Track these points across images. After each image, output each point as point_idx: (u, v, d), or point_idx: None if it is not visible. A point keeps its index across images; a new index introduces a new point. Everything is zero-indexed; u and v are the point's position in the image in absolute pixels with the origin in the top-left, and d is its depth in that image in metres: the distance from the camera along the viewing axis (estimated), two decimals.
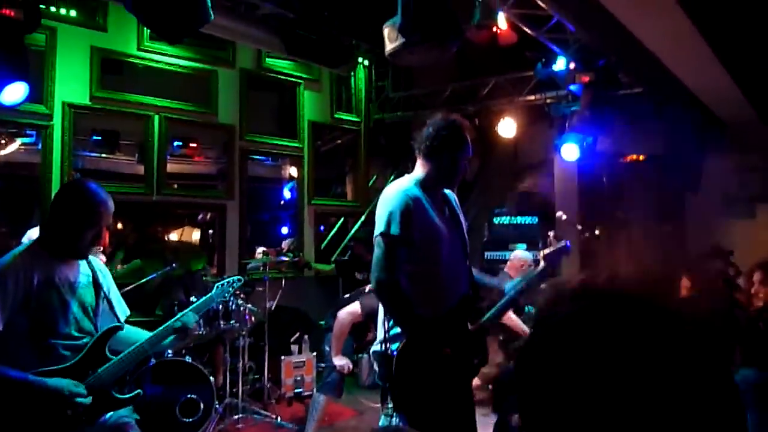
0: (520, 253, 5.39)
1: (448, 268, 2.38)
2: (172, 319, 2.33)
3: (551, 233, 2.74)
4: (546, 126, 6.49)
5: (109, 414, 2.18)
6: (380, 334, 2.42)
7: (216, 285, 2.63)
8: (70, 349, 2.13)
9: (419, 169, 2.46)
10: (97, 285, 2.28)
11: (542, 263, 2.63)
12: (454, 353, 2.30)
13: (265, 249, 6.72)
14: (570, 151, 5.63)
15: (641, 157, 7.19)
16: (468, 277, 2.51)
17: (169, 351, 4.07)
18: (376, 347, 2.42)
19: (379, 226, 2.31)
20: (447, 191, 2.56)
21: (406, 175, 2.48)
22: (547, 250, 2.65)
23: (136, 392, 2.26)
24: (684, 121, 5.87)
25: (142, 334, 2.32)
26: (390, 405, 2.30)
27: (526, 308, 5.02)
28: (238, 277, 2.75)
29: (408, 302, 2.28)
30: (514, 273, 5.19)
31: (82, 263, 2.26)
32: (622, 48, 4.15)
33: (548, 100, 6.09)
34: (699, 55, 3.94)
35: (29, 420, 2.00)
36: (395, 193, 2.34)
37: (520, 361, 0.68)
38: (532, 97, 6.14)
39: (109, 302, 2.32)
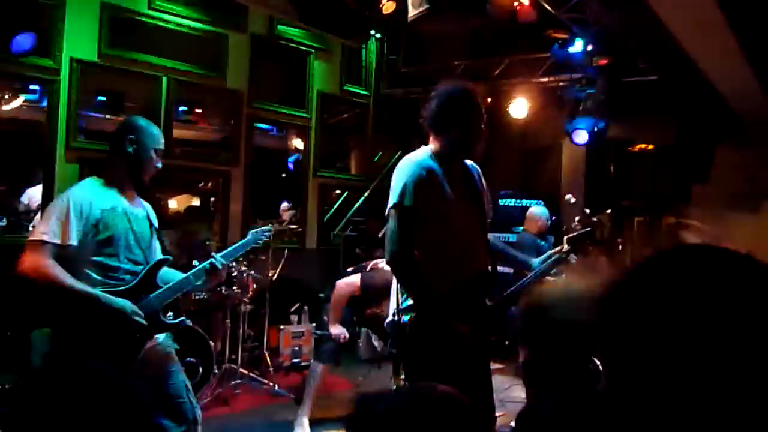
0: (536, 210, 5.44)
1: (462, 241, 2.33)
2: (211, 259, 2.56)
3: (577, 218, 2.72)
4: (557, 110, 6.42)
5: (157, 336, 2.44)
6: (393, 305, 2.38)
7: (250, 231, 2.86)
8: (129, 273, 2.39)
9: (433, 142, 2.39)
10: (149, 220, 2.56)
11: (566, 246, 2.60)
12: (469, 328, 2.26)
13: (264, 222, 6.67)
14: (580, 136, 5.58)
15: (650, 147, 7.13)
16: (486, 252, 2.45)
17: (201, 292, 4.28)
18: (389, 318, 2.39)
19: (393, 198, 2.26)
20: (471, 164, 2.49)
21: (422, 147, 2.41)
22: (573, 234, 2.63)
23: (180, 319, 2.53)
24: (697, 112, 5.81)
25: (178, 274, 2.56)
26: (402, 376, 2.28)
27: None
28: (270, 227, 2.95)
29: (421, 275, 2.24)
30: (532, 228, 5.22)
31: (138, 200, 2.55)
32: (644, 32, 4.07)
33: (561, 83, 6.02)
34: (723, 44, 3.86)
35: (95, 330, 2.25)
36: (409, 164, 2.29)
37: (605, 304, 0.65)
38: (546, 79, 6.06)
39: (160, 238, 2.60)
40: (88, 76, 5.33)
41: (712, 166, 6.14)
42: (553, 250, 2.58)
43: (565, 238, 2.63)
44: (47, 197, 5.08)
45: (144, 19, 5.49)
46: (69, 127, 5.13)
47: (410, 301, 2.29)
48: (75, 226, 2.26)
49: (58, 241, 2.24)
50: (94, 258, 2.32)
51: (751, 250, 0.64)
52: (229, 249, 2.73)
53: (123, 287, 2.35)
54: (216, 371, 4.46)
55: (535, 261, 2.56)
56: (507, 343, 5.94)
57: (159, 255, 2.57)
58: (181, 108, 7.57)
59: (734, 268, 0.60)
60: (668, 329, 0.58)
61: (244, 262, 4.74)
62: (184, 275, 2.53)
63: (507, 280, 2.75)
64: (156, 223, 2.61)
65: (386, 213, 2.28)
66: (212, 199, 7.95)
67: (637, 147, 7.18)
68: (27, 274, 2.22)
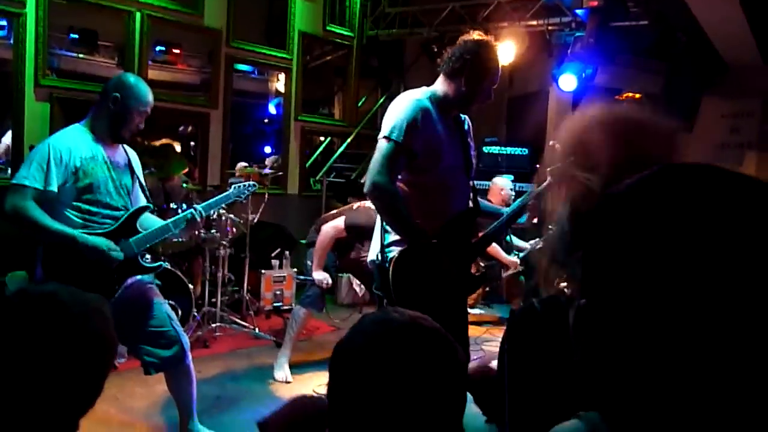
0: (499, 180, 5.47)
1: (449, 183, 2.36)
2: (191, 209, 2.68)
3: (552, 142, 2.69)
4: (545, 55, 6.28)
5: (135, 278, 2.55)
6: (375, 244, 2.37)
7: (233, 185, 2.91)
8: (109, 218, 2.49)
9: (438, 86, 2.39)
10: (131, 168, 2.63)
11: (549, 178, 2.58)
12: (452, 263, 2.27)
13: (246, 164, 6.56)
14: (567, 82, 5.48)
15: (637, 96, 7.05)
16: (470, 196, 2.47)
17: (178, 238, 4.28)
18: (371, 257, 2.38)
19: (384, 130, 2.26)
20: (463, 116, 2.49)
21: (423, 87, 2.41)
22: (554, 166, 2.60)
23: (159, 263, 2.65)
24: (685, 60, 5.72)
25: (159, 221, 2.65)
26: None
27: (508, 237, 5.03)
28: (253, 183, 3.01)
29: (403, 207, 2.24)
30: (495, 199, 5.18)
31: (120, 148, 2.61)
32: None
33: (550, 27, 5.86)
34: None
35: (74, 269, 2.35)
36: (406, 101, 2.28)
37: (591, 219, 0.61)
38: (534, 23, 5.90)
39: (141, 185, 2.68)
40: (57, 9, 5.07)
41: (697, 115, 6.10)
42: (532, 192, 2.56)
43: (548, 170, 2.60)
44: (17, 137, 4.92)
45: None
46: (38, 63, 4.91)
47: (393, 237, 2.29)
48: (54, 173, 2.35)
49: (38, 186, 2.34)
50: (75, 203, 2.42)
51: None
52: (210, 201, 2.82)
53: (103, 230, 2.45)
54: (196, 314, 4.45)
55: (508, 209, 2.59)
56: (487, 289, 6.03)
57: (141, 202, 2.66)
58: (158, 48, 7.31)
59: (734, 185, 0.56)
60: (657, 247, 0.54)
61: (223, 206, 4.65)
62: (165, 222, 2.61)
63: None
64: (138, 171, 2.69)
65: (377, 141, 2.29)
66: (192, 143, 7.79)
67: (624, 95, 7.10)
68: (8, 214, 2.32)
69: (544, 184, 2.53)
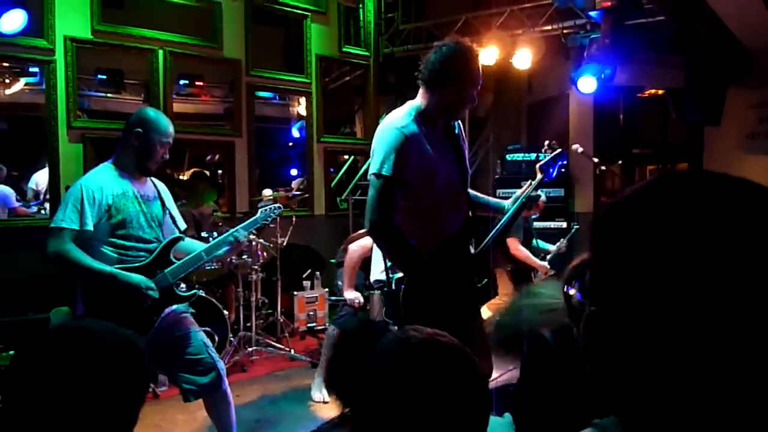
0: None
1: (445, 202, 2.29)
2: (226, 234, 2.75)
3: (546, 142, 2.70)
4: (562, 59, 6.25)
5: (171, 308, 2.60)
6: (378, 264, 2.36)
7: (260, 209, 3.00)
8: (143, 251, 2.56)
9: (420, 98, 2.28)
10: (161, 200, 2.72)
11: (538, 174, 2.58)
12: (457, 277, 2.25)
13: (270, 191, 6.67)
14: (587, 84, 5.43)
15: (660, 92, 6.95)
16: (468, 204, 2.41)
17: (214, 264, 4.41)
18: (375, 277, 2.37)
19: (374, 166, 2.19)
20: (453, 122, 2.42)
21: (406, 104, 2.31)
22: (543, 161, 2.60)
23: (193, 291, 2.72)
24: (706, 52, 5.62)
25: (197, 246, 2.74)
26: None
27: (534, 241, 5.00)
28: (279, 205, 3.08)
29: (404, 242, 2.19)
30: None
31: (149, 181, 2.70)
32: None
33: (565, 31, 5.84)
34: None
35: (113, 305, 2.42)
36: (390, 130, 2.19)
37: (600, 223, 0.61)
38: (549, 27, 5.89)
39: (171, 216, 2.75)
40: (84, 53, 5.29)
41: (724, 107, 5.97)
42: (523, 188, 2.54)
43: (537, 166, 2.61)
44: (53, 178, 5.11)
45: None
46: (69, 106, 5.11)
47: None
48: (89, 212, 2.44)
49: (75, 227, 2.42)
50: (110, 239, 2.50)
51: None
52: (241, 226, 2.85)
53: (138, 264, 2.53)
54: (232, 339, 4.52)
55: (508, 202, 2.53)
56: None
57: (172, 231, 2.74)
58: (182, 81, 7.52)
59: (746, 195, 0.56)
60: (666, 253, 0.54)
61: (253, 231, 4.74)
62: (196, 251, 2.69)
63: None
64: (169, 201, 2.77)
65: (367, 179, 2.25)
66: (219, 171, 7.96)
67: (647, 92, 7.00)
68: (50, 257, 2.41)
69: (536, 180, 2.54)
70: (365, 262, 4.00)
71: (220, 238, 2.75)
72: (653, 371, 0.56)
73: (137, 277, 2.46)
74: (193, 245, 2.75)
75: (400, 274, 2.23)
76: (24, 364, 0.97)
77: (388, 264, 2.27)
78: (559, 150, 2.62)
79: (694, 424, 0.55)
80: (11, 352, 3.86)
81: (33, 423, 0.93)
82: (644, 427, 0.59)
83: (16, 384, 0.96)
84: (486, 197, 2.66)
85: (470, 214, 2.41)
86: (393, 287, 2.23)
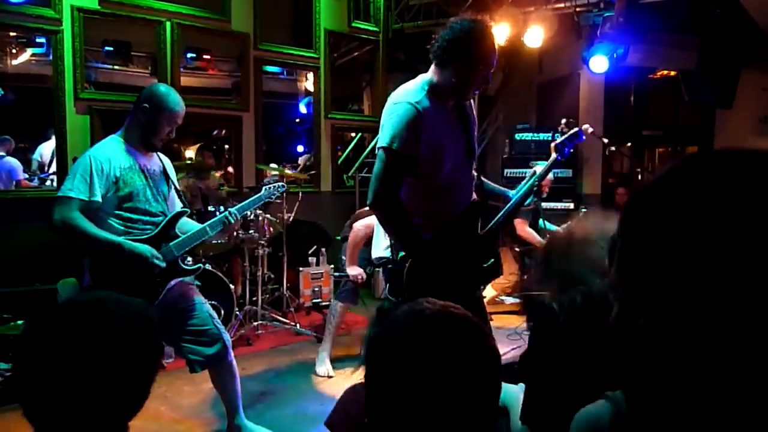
0: (539, 168, 5.33)
1: (453, 183, 2.26)
2: (220, 215, 2.76)
3: (563, 120, 2.64)
4: (573, 37, 6.15)
5: (177, 280, 2.64)
6: (381, 241, 2.35)
7: (263, 187, 3.01)
8: (149, 224, 2.58)
9: (431, 74, 2.21)
10: (166, 175, 2.72)
11: (553, 154, 2.54)
12: (463, 258, 2.23)
13: (275, 165, 6.66)
14: (599, 63, 5.37)
15: (672, 73, 6.85)
16: (474, 183, 2.38)
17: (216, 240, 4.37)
18: (378, 254, 2.36)
19: (384, 139, 2.13)
20: None
21: (418, 77, 2.24)
22: (558, 140, 2.55)
23: (199, 265, 2.74)
24: (721, 33, 5.52)
25: (195, 224, 2.75)
26: None
27: (541, 222, 4.98)
28: (282, 183, 3.07)
29: (405, 218, 2.17)
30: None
31: (155, 156, 2.70)
32: None
33: (578, 8, 5.74)
34: None
35: (120, 275, 2.45)
36: (403, 104, 2.12)
37: (631, 207, 0.59)
38: (561, 5, 5.79)
39: (177, 191, 2.79)
40: (91, 24, 5.24)
41: (737, 90, 5.88)
42: (530, 171, 2.51)
43: (552, 144, 2.56)
44: (60, 150, 5.11)
45: None
46: (76, 77, 5.09)
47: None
48: (97, 183, 2.44)
49: (84, 197, 2.42)
50: (117, 211, 2.51)
51: None
52: (243, 203, 2.89)
53: (144, 236, 2.54)
54: (238, 313, 4.56)
55: (513, 192, 2.48)
56: (525, 277, 5.97)
57: (178, 206, 2.75)
58: (189, 55, 7.47)
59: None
60: (698, 236, 0.52)
61: (260, 206, 4.75)
62: (201, 225, 2.70)
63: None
64: (173, 177, 2.78)
65: (375, 151, 2.20)
66: (226, 146, 7.96)
67: (659, 73, 6.91)
68: (57, 225, 2.40)
69: (550, 160, 2.50)
70: (369, 240, 4.01)
71: (216, 217, 2.76)
72: (682, 358, 0.54)
73: (143, 247, 2.47)
74: (192, 224, 2.75)
75: (402, 259, 2.21)
76: (38, 334, 0.96)
77: (399, 254, 2.25)
78: (576, 129, 2.56)
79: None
80: (20, 322, 3.90)
81: (46, 394, 0.93)
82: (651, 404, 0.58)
83: (30, 354, 0.96)
84: (491, 184, 2.61)
85: (477, 195, 2.38)
86: (397, 265, 2.22)
